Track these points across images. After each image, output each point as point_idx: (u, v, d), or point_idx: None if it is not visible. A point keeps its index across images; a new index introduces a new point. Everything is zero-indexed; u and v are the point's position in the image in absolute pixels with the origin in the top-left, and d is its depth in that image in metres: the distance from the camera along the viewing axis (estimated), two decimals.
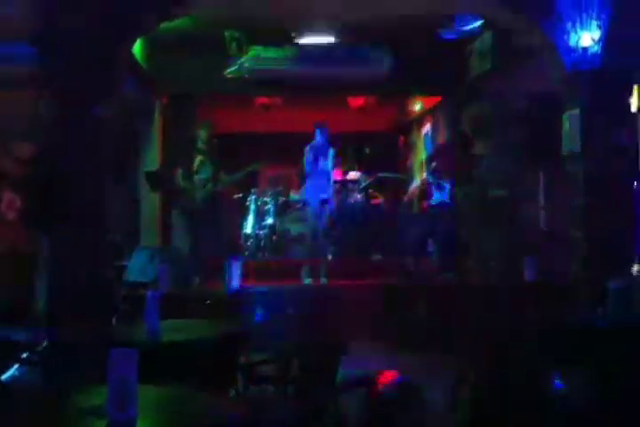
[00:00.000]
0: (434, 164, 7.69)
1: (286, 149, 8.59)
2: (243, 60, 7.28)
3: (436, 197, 7.55)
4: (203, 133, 7.02)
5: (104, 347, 3.19)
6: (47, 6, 5.23)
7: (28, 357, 4.10)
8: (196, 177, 6.92)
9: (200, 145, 6.98)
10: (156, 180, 7.12)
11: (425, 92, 8.77)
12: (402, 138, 10.30)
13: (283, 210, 8.69)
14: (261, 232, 8.56)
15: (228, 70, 7.37)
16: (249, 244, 8.51)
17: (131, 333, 3.56)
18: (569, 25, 5.55)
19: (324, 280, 7.58)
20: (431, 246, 7.90)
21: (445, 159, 7.65)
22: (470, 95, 8.10)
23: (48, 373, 3.96)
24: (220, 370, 3.09)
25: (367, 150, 9.37)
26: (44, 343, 4.31)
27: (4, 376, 3.92)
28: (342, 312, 6.30)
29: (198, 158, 6.95)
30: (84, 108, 5.28)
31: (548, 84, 6.36)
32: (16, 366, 4.09)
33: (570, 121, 5.60)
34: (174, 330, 3.36)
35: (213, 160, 6.97)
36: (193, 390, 2.60)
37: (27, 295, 6.39)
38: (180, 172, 6.88)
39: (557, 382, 3.28)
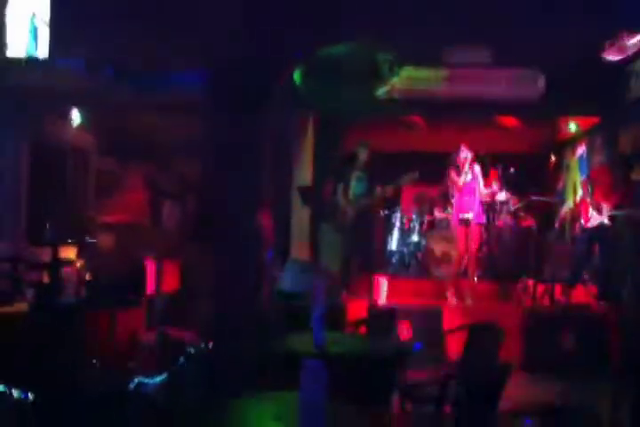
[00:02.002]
0: (591, 186, 7.48)
1: (430, 168, 8.63)
2: (394, 81, 7.44)
3: (594, 220, 7.32)
4: (362, 151, 7.36)
5: (267, 358, 3.39)
6: (217, 37, 5.65)
7: (193, 354, 4.40)
8: (351, 193, 7.23)
9: (359, 162, 7.32)
10: (308, 195, 7.45)
11: (580, 113, 8.52)
12: (553, 159, 10.03)
13: (427, 228, 8.74)
14: (406, 249, 8.66)
15: (380, 91, 7.55)
16: (394, 261, 8.63)
17: (294, 344, 3.70)
18: None
19: (468, 301, 7.54)
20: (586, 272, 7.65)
21: (604, 182, 7.40)
22: (630, 117, 7.78)
23: (211, 375, 4.24)
24: (380, 386, 3.20)
25: (513, 170, 9.23)
26: (209, 345, 4.61)
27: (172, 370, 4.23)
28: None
29: (355, 174, 7.29)
30: (244, 131, 5.61)
31: None
32: (182, 361, 4.40)
33: None
34: (335, 343, 3.49)
35: (370, 176, 7.29)
36: (355, 405, 2.69)
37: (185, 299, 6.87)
38: (339, 187, 7.22)
39: None
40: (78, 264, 6.27)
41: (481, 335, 3.84)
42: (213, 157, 5.65)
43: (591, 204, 7.46)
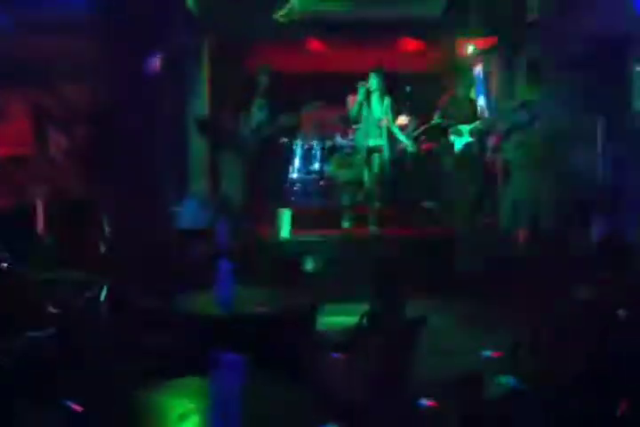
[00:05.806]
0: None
1: (332, 90, 8.39)
2: (294, 1, 7.07)
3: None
4: (263, 77, 7.03)
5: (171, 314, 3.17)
6: None
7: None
8: (253, 121, 6.94)
9: (260, 89, 7.00)
10: (206, 125, 7.08)
11: (479, 33, 8.43)
12: (450, 79, 9.96)
13: (329, 155, 8.59)
14: (308, 177, 8.51)
15: (279, 13, 7.18)
16: (295, 189, 8.48)
17: (199, 302, 3.45)
18: None
19: (372, 228, 7.54)
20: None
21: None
22: (527, 38, 7.77)
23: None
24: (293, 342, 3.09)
25: (408, 89, 9.21)
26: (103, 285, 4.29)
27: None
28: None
29: (257, 101, 6.98)
30: (137, 53, 5.17)
31: (614, 30, 6.05)
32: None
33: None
34: (243, 301, 3.29)
35: (272, 103, 7.00)
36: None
37: (79, 241, 6.46)
38: (240, 116, 6.91)
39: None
40: None
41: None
42: (111, 84, 5.17)
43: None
